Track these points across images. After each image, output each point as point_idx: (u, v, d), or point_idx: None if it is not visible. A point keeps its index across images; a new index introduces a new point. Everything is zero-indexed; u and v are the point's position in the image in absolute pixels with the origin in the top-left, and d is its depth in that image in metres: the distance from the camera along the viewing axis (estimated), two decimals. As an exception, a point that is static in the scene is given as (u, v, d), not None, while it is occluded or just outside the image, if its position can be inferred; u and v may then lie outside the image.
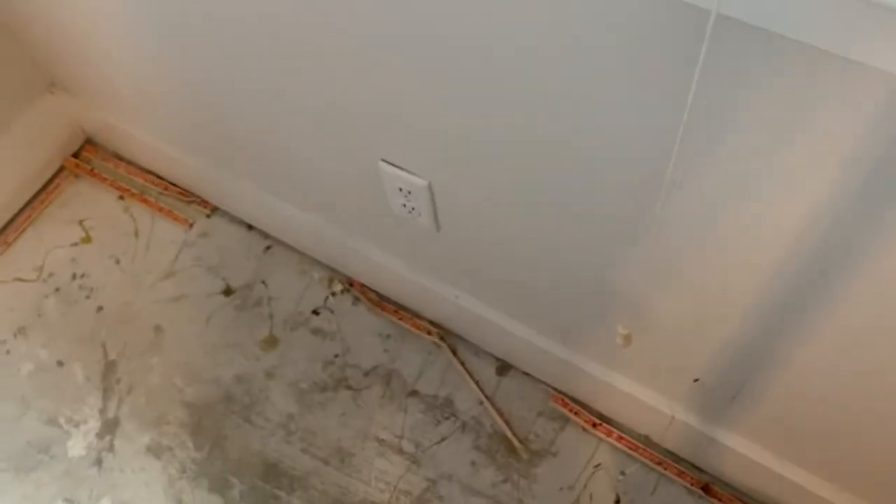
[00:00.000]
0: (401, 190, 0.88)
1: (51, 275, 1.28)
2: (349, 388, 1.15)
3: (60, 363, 1.20)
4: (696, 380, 0.87)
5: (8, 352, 1.22)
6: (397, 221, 0.97)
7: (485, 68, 0.64)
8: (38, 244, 1.31)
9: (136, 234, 1.32)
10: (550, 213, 0.77)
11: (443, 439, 1.10)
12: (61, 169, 1.38)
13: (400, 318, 1.19)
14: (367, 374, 1.16)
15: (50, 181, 1.37)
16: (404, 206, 0.90)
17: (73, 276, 1.28)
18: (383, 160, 0.86)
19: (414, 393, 1.14)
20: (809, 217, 0.57)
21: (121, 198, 1.35)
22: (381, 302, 1.21)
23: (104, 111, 1.29)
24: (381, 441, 1.10)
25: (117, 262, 1.29)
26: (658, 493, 1.04)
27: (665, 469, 1.05)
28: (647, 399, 0.98)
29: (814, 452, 0.86)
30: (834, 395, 0.74)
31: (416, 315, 1.19)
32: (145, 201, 1.34)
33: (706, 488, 1.03)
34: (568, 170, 0.70)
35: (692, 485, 1.04)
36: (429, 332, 1.17)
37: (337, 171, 0.97)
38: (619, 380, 0.98)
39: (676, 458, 1.05)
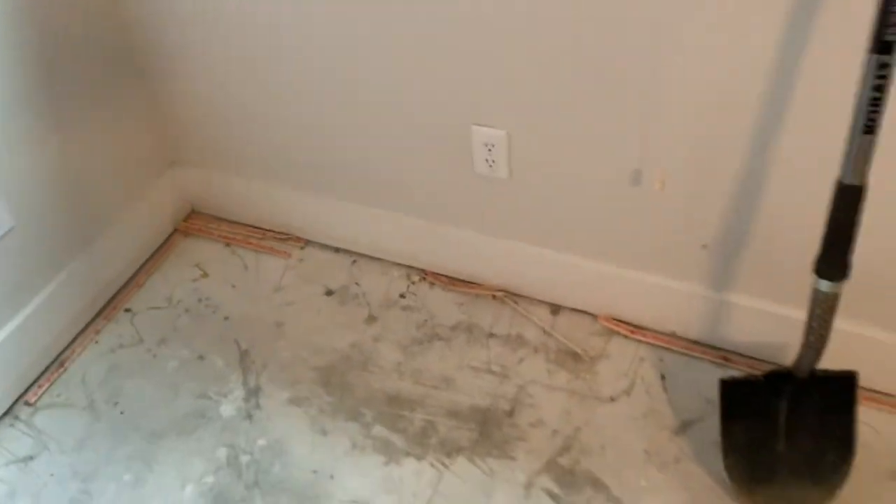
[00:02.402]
0: (485, 145, 1.30)
1: (179, 301, 1.59)
2: (440, 338, 1.47)
3: (201, 357, 1.48)
4: (704, 245, 1.27)
5: (154, 356, 1.49)
6: (477, 182, 1.38)
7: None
8: (164, 283, 1.63)
9: (245, 267, 1.66)
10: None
11: (521, 360, 1.42)
12: (174, 231, 1.74)
13: (468, 290, 1.55)
14: (452, 328, 1.49)
15: (165, 241, 1.72)
16: (486, 160, 1.32)
17: (199, 300, 1.59)
18: (475, 123, 1.29)
19: (491, 335, 1.47)
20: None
21: (227, 245, 1.71)
22: (451, 281, 1.57)
23: (211, 173, 1.69)
24: (474, 368, 1.41)
25: (233, 286, 1.62)
26: (691, 369, 1.38)
27: (692, 352, 1.40)
28: (667, 289, 1.35)
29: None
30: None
31: (481, 285, 1.55)
32: (248, 244, 1.70)
33: (726, 359, 1.38)
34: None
35: (715, 359, 1.39)
36: (493, 296, 1.53)
37: (428, 151, 1.39)
38: (642, 276, 1.37)
39: (700, 344, 1.41)
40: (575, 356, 1.42)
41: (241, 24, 1.37)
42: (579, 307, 1.48)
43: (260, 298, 1.58)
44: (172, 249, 1.70)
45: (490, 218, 1.45)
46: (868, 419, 1.23)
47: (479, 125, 1.29)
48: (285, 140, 1.53)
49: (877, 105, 0.79)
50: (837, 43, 0.92)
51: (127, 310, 1.58)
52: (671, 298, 1.37)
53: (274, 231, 1.72)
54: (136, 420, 1.37)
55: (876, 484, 1.17)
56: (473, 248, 1.50)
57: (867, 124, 0.81)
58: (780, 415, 1.12)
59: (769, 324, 1.30)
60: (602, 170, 1.26)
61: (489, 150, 1.31)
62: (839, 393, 1.09)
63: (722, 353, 1.39)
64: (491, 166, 1.33)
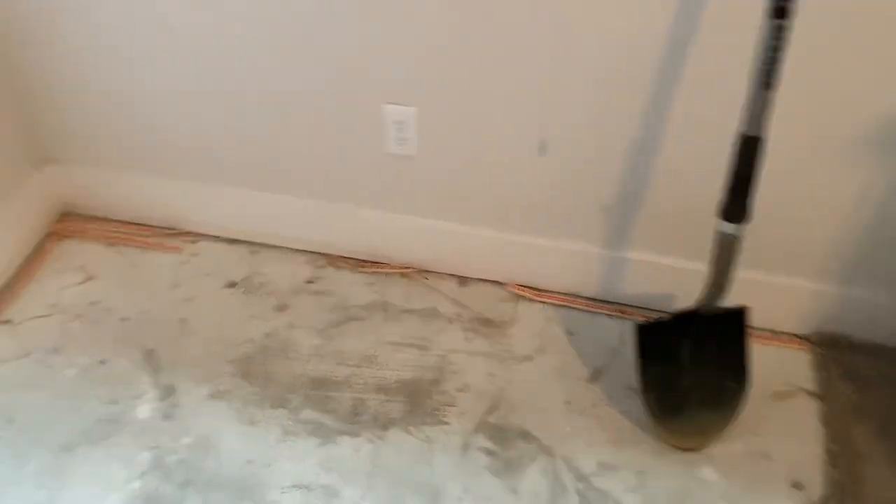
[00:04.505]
0: (396, 123, 1.33)
1: (67, 307, 1.49)
2: (355, 319, 1.49)
3: (102, 362, 1.40)
4: (602, 207, 1.38)
5: (48, 366, 1.38)
6: (386, 161, 1.41)
7: None
8: (45, 290, 1.51)
9: (134, 266, 1.58)
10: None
11: (438, 331, 1.47)
12: (49, 234, 1.61)
13: (377, 269, 1.57)
14: (365, 308, 1.51)
15: (38, 246, 1.59)
16: (396, 139, 1.35)
17: (89, 304, 1.49)
18: (386, 102, 1.32)
19: (406, 311, 1.51)
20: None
21: (110, 245, 1.61)
22: (358, 263, 1.59)
23: (86, 170, 1.58)
24: (393, 343, 1.44)
25: (125, 287, 1.53)
26: (594, 324, 1.50)
27: (594, 308, 1.52)
28: (567, 252, 1.46)
29: (682, 238, 1.39)
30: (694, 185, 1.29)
31: (389, 264, 1.58)
32: (134, 242, 1.61)
33: (623, 312, 1.51)
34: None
35: (614, 312, 1.51)
36: (402, 273, 1.57)
37: (335, 133, 1.40)
38: (543, 242, 1.46)
39: (599, 301, 1.53)
40: (488, 322, 1.49)
41: (115, 12, 1.30)
42: (486, 277, 1.56)
43: (157, 296, 1.51)
44: (49, 254, 1.58)
45: (397, 196, 1.48)
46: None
47: (390, 103, 1.32)
48: (166, 128, 1.47)
49: (775, 63, 0.92)
50: (728, 7, 1.05)
51: (5, 322, 1.45)
52: (571, 260, 1.48)
53: (160, 227, 1.64)
54: (38, 434, 1.27)
55: (763, 406, 1.34)
56: (379, 228, 1.53)
57: (767, 81, 0.93)
58: (686, 351, 1.25)
59: (660, 276, 1.44)
60: (507, 141, 1.34)
61: (400, 127, 1.34)
62: (733, 327, 1.24)
63: (619, 307, 1.52)
64: (401, 144, 1.37)
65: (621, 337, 1.45)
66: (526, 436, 1.30)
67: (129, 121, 1.48)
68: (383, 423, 1.31)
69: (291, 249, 1.61)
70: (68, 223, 1.64)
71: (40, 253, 1.58)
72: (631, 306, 1.52)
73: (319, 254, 1.60)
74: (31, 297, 1.49)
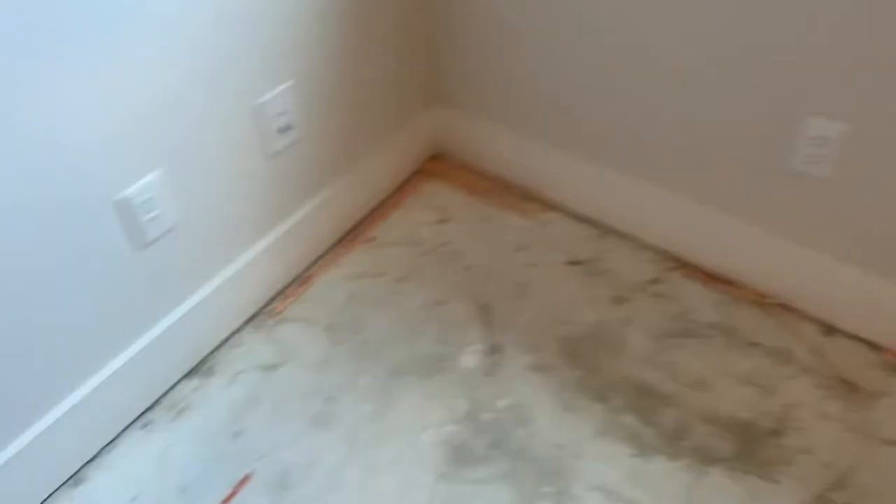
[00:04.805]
0: (814, 138, 1.17)
1: (421, 242, 1.56)
2: (695, 336, 1.37)
3: (442, 302, 1.45)
4: None
5: (396, 291, 1.47)
6: (784, 177, 1.25)
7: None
8: (406, 222, 1.61)
9: (488, 220, 1.61)
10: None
11: (788, 378, 1.30)
12: (419, 170, 1.71)
13: (730, 289, 1.43)
14: (709, 327, 1.38)
15: (409, 178, 1.69)
16: (808, 155, 1.19)
17: (441, 244, 1.56)
18: (809, 113, 1.16)
19: (754, 344, 1.35)
20: None
21: (468, 194, 1.66)
22: (709, 277, 1.45)
23: (466, 118, 1.63)
24: (733, 375, 1.30)
25: (475, 237, 1.57)
26: None
27: None
28: None
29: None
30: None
31: (744, 286, 1.42)
32: (491, 198, 1.64)
33: None
34: None
35: None
36: (756, 301, 1.41)
37: (737, 136, 1.27)
38: None
39: None
40: (851, 386, 1.28)
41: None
42: (860, 333, 1.34)
43: (502, 255, 1.53)
44: (417, 188, 1.67)
45: (781, 215, 1.32)
46: None
47: (813, 114, 1.16)
48: (560, 96, 1.45)
49: None
50: None
51: (370, 240, 1.57)
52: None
53: (519, 188, 1.65)
54: (377, 352, 1.36)
55: None
56: (747, 244, 1.38)
57: None
58: None
59: None
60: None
61: (817, 144, 1.18)
62: None
63: None
64: (811, 163, 1.20)
65: None
66: (874, 532, 1.09)
67: (521, 80, 1.49)
68: (706, 458, 1.19)
69: (641, 243, 1.53)
70: (439, 164, 1.72)
71: (409, 186, 1.68)
72: None
73: (669, 255, 1.50)
74: (394, 223, 1.60)
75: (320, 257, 1.53)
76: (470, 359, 1.35)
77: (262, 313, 1.43)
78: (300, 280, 1.48)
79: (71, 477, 1.19)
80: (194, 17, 1.07)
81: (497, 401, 1.28)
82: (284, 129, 1.30)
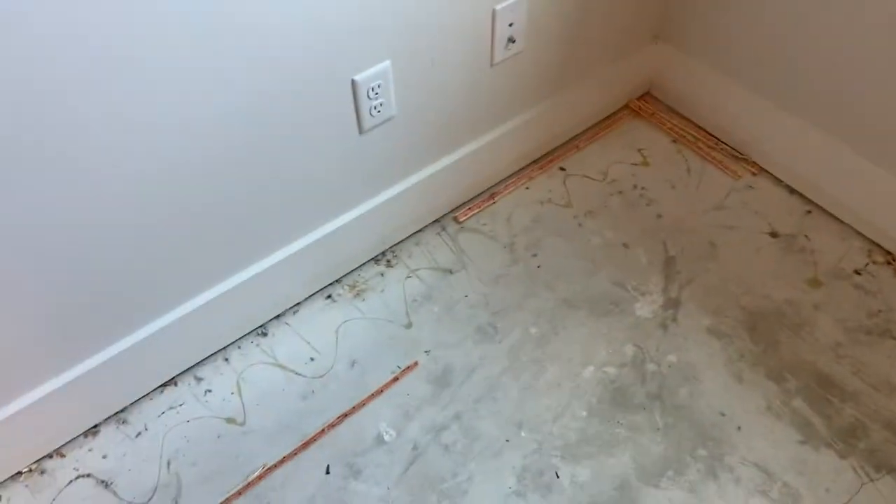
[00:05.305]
0: None
1: (614, 180, 1.53)
2: (893, 337, 1.27)
3: (626, 245, 1.42)
4: None
5: (580, 225, 1.45)
6: None
7: None
8: (603, 156, 1.57)
9: (689, 171, 1.54)
10: None
11: None
12: (625, 107, 1.65)
13: (945, 298, 1.30)
14: (913, 331, 1.28)
15: (614, 114, 1.65)
16: None
17: (634, 187, 1.52)
18: None
19: (960, 361, 1.23)
20: None
21: (674, 141, 1.59)
22: (924, 280, 1.33)
23: (689, 60, 1.55)
24: (928, 389, 1.20)
25: (672, 186, 1.51)
26: None
27: None
28: None
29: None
30: None
31: (964, 299, 1.29)
32: (697, 149, 1.57)
33: None
34: None
35: None
36: (974, 317, 1.28)
37: None
38: None
39: None
40: None
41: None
42: None
43: (697, 210, 1.47)
44: (619, 125, 1.63)
45: None
46: None
47: None
48: (795, 54, 1.34)
49: None
50: None
51: (562, 168, 1.56)
52: None
53: (729, 145, 1.57)
54: (551, 279, 1.36)
55: None
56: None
57: None
58: None
59: None
60: None
61: None
62: None
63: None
64: None
65: None
66: None
67: (759, 33, 1.39)
68: (878, 463, 1.12)
69: (852, 228, 1.42)
70: (648, 104, 1.66)
71: (613, 121, 1.64)
72: None
73: (880, 247, 1.39)
74: (590, 156, 1.57)
75: (513, 176, 1.53)
76: (646, 308, 1.33)
77: (447, 218, 1.47)
78: (489, 195, 1.50)
79: (258, 327, 1.31)
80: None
81: (667, 355, 1.26)
82: (511, 41, 1.29)
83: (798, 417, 1.18)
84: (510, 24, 1.27)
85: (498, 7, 1.21)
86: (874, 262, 1.37)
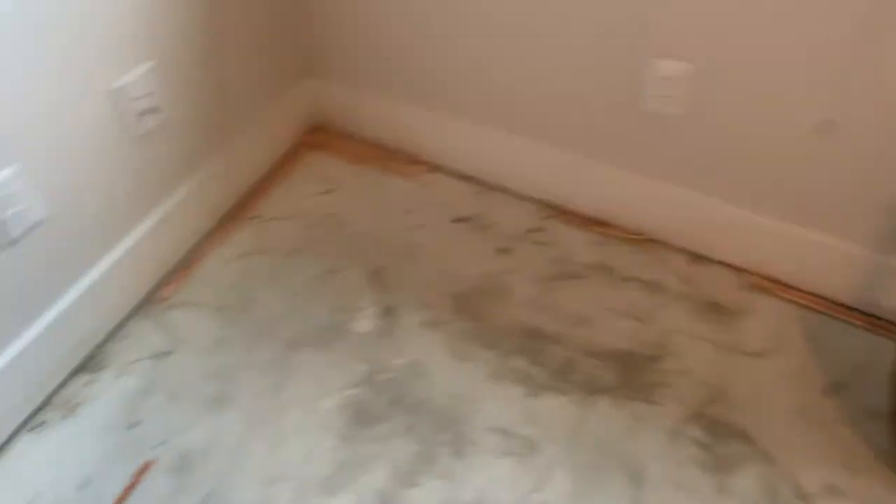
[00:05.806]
0: (663, 79, 1.24)
1: (306, 214, 1.57)
2: (575, 277, 1.44)
3: (332, 271, 1.46)
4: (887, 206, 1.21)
5: (285, 266, 1.47)
6: (641, 118, 1.32)
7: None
8: (290, 195, 1.61)
9: (373, 186, 1.63)
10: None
11: (661, 307, 1.39)
12: (299, 144, 1.71)
13: (604, 230, 1.51)
14: (587, 267, 1.45)
15: (289, 153, 1.69)
16: (660, 96, 1.26)
17: (327, 215, 1.57)
18: (655, 56, 1.23)
19: (629, 279, 1.43)
20: None
21: (352, 163, 1.67)
22: (585, 221, 1.53)
23: (343, 87, 1.64)
24: (612, 310, 1.38)
25: (361, 204, 1.59)
26: (841, 333, 1.34)
27: (843, 316, 1.36)
28: (827, 248, 1.30)
29: None
30: None
31: (617, 226, 1.51)
32: (373, 164, 1.66)
33: (879, 326, 1.34)
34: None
35: (866, 324, 1.34)
36: (630, 239, 1.49)
37: (592, 82, 1.33)
38: (802, 232, 1.32)
39: (851, 308, 1.36)
40: (718, 308, 1.38)
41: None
42: (724, 259, 1.44)
43: (390, 219, 1.55)
44: (297, 162, 1.67)
45: (642, 156, 1.40)
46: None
47: (659, 57, 1.23)
48: (426, 59, 1.48)
49: None
50: None
51: (253, 217, 1.56)
52: (830, 258, 1.32)
53: (402, 153, 1.67)
54: (270, 327, 1.36)
55: None
56: (614, 187, 1.46)
57: None
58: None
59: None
60: (788, 113, 1.20)
61: (665, 84, 1.25)
62: None
63: (875, 321, 1.34)
64: (663, 103, 1.27)
65: (871, 353, 1.29)
66: (745, 436, 1.20)
67: (393, 47, 1.51)
68: (592, 389, 1.26)
69: (520, 195, 1.58)
70: (319, 136, 1.72)
71: (290, 159, 1.67)
72: (890, 322, 1.34)
73: (548, 204, 1.57)
74: (277, 199, 1.59)
75: (204, 239, 1.51)
76: (364, 323, 1.37)
77: (149, 301, 1.41)
78: (185, 264, 1.46)
79: (-40, 489, 1.15)
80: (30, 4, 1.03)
81: (394, 360, 1.31)
82: (151, 111, 1.27)
83: (519, 374, 1.29)
84: (145, 95, 1.25)
85: (116, 85, 1.19)
86: (544, 218, 1.55)
